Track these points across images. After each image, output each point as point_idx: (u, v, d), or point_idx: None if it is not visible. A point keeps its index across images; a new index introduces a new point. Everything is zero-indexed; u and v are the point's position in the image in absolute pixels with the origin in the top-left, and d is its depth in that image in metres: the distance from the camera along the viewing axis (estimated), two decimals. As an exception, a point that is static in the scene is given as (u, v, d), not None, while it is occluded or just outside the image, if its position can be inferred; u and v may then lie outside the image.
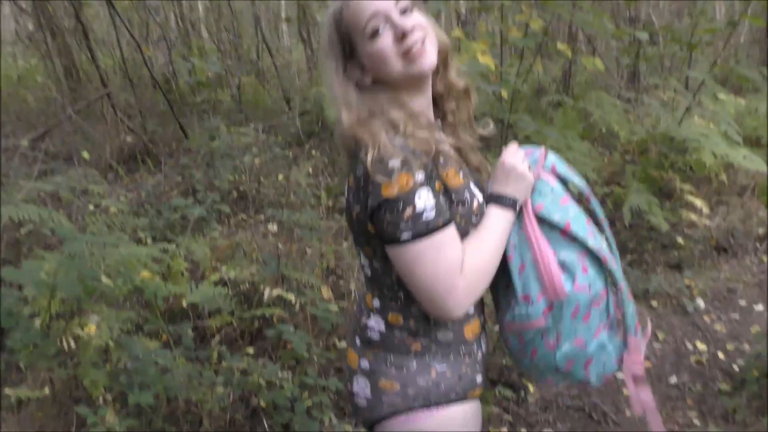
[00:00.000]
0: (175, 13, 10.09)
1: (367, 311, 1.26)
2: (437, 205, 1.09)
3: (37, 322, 2.52)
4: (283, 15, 12.97)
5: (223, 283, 3.31)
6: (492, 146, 5.90)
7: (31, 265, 2.56)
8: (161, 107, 7.34)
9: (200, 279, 3.46)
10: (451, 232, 1.11)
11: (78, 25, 6.06)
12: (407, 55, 1.13)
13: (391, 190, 1.06)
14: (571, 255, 1.18)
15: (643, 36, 4.12)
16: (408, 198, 1.06)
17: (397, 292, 1.20)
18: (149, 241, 4.01)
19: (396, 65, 1.14)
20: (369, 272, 1.25)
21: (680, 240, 4.21)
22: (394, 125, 1.12)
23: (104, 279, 2.61)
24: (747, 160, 3.90)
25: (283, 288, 3.10)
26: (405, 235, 1.07)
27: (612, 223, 4.87)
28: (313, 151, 6.31)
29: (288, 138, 7.08)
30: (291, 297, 2.95)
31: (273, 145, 6.57)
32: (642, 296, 3.74)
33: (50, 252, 3.31)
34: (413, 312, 1.20)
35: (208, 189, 5.03)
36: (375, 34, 1.12)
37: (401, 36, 1.12)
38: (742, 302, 3.73)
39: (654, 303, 3.71)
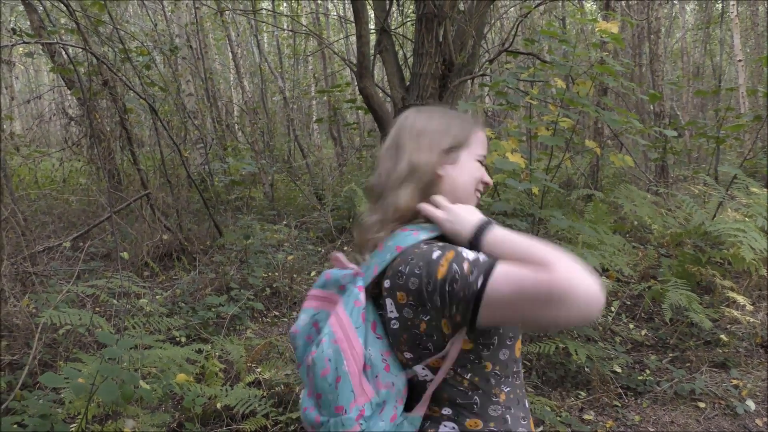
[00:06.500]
0: (213, 116, 10.60)
1: (434, 419, 1.23)
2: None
3: (73, 427, 2.51)
4: (314, 116, 13.49)
5: (257, 384, 3.29)
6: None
7: (70, 369, 2.58)
8: (197, 205, 7.56)
9: (235, 380, 3.44)
10: None
11: (123, 131, 6.39)
12: (475, 192, 1.38)
13: (442, 269, 1.10)
14: (375, 352, 1.20)
15: (671, 134, 4.18)
16: (458, 259, 1.10)
17: (472, 397, 1.21)
18: (183, 339, 4.03)
19: (468, 188, 1.36)
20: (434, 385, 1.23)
21: (724, 337, 4.08)
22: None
23: (141, 383, 2.61)
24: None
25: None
26: (480, 280, 1.06)
27: (651, 319, 4.76)
28: (345, 247, 6.37)
29: (320, 234, 7.19)
30: (326, 399, 2.90)
31: (305, 242, 6.67)
32: (688, 397, 3.59)
33: (88, 354, 3.34)
34: (491, 414, 1.21)
35: (242, 286, 5.08)
36: (481, 163, 1.38)
37: (486, 183, 1.40)
38: (795, 403, 3.55)
39: (701, 404, 3.55)
